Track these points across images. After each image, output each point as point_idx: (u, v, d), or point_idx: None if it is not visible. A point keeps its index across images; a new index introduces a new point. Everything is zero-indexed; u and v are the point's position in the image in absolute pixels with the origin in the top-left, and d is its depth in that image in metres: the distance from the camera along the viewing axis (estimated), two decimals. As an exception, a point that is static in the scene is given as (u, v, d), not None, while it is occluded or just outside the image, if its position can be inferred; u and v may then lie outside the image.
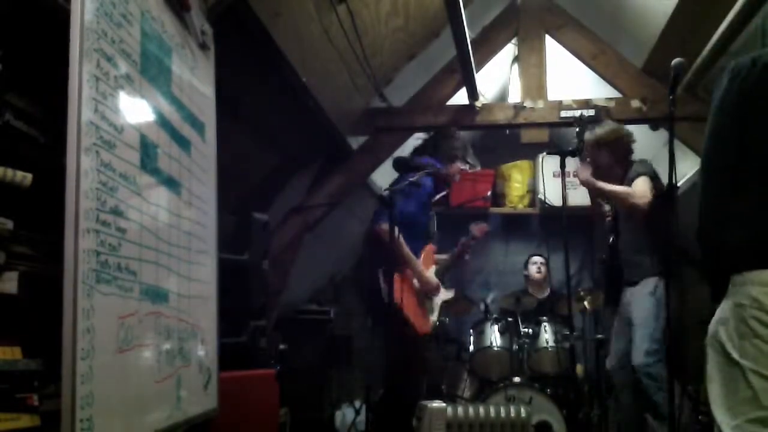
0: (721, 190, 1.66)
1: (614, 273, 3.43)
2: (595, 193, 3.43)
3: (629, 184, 3.22)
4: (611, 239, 3.49)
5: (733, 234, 1.62)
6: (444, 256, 4.05)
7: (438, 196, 3.96)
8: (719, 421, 1.58)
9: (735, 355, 1.57)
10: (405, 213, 3.45)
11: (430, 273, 3.79)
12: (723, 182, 1.66)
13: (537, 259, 5.04)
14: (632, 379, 3.14)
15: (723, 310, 1.61)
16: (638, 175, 3.21)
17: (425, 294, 3.75)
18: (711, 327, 1.66)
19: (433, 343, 4.20)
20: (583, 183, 3.35)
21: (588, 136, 3.37)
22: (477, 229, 4.04)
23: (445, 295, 3.95)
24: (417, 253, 3.67)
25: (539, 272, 4.99)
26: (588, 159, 3.39)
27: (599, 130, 3.39)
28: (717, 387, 1.62)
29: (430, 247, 3.89)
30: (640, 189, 3.15)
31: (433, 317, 3.79)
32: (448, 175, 3.79)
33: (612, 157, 3.37)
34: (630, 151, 3.40)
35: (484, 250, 5.98)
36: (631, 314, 3.23)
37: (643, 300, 3.16)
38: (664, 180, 2.32)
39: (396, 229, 3.18)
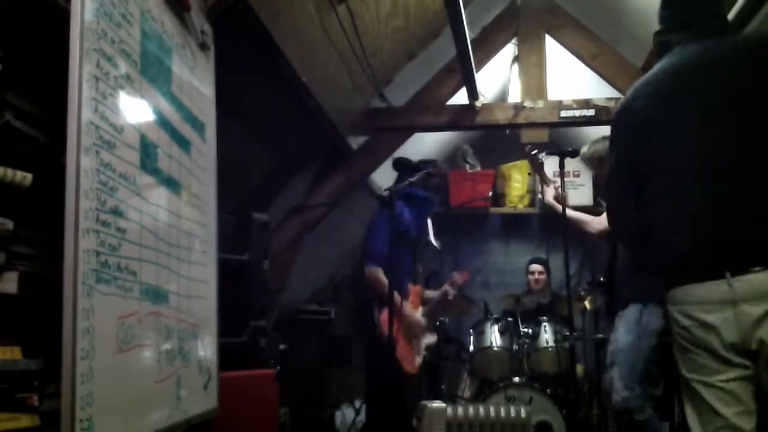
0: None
1: (612, 295, 3.40)
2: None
3: None
4: (609, 260, 3.47)
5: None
6: (432, 294, 4.03)
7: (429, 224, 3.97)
8: None
9: (684, 371, 1.66)
10: (402, 220, 3.45)
11: (417, 313, 3.76)
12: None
13: (534, 267, 5.04)
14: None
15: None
16: None
17: (412, 332, 3.72)
18: None
19: (420, 382, 4.15)
20: (548, 206, 3.32)
21: (589, 151, 3.36)
22: (459, 277, 4.07)
23: (429, 339, 3.94)
24: (404, 291, 3.64)
25: (537, 282, 5.01)
26: (594, 173, 3.37)
27: (598, 146, 3.33)
28: (687, 405, 1.67)
29: (417, 288, 3.86)
30: (600, 217, 3.19)
31: (419, 358, 3.77)
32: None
33: None
34: None
35: (484, 250, 5.98)
36: (617, 342, 3.13)
37: (626, 329, 3.07)
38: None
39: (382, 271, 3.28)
